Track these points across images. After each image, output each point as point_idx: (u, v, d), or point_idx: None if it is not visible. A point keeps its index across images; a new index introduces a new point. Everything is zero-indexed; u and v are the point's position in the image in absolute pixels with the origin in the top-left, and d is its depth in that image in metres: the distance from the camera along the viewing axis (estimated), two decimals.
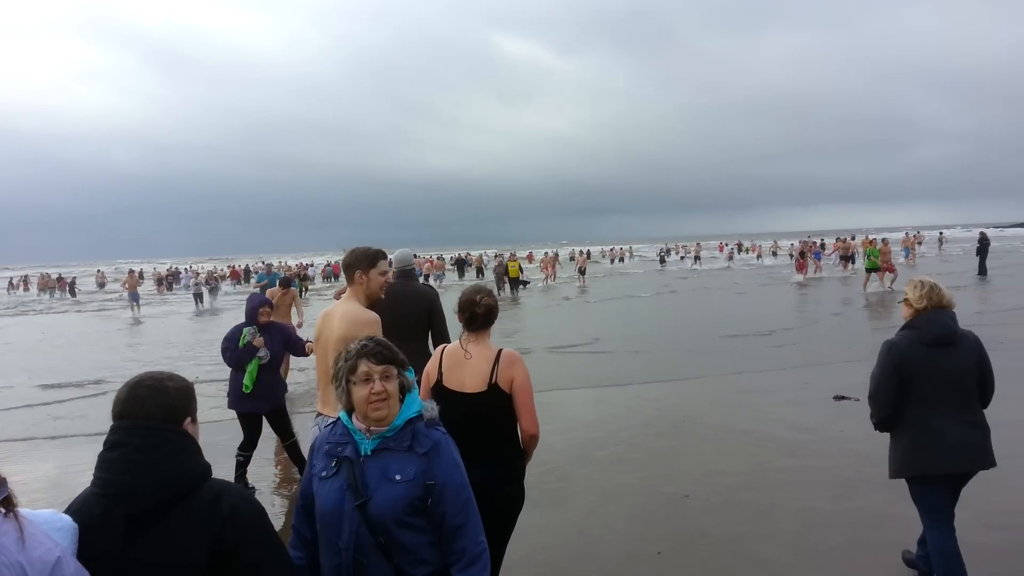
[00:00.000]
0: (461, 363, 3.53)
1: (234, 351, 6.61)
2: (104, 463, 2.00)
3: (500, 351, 3.56)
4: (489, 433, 3.47)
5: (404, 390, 2.45)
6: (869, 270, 24.50)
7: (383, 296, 4.27)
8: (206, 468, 2.08)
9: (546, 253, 47.22)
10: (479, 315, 3.57)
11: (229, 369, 6.76)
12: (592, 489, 6.19)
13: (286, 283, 12.36)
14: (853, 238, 41.71)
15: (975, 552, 4.68)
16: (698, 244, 57.77)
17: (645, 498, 5.98)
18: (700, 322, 17.71)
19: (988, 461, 4.06)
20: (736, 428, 7.83)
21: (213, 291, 34.09)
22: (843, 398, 8.78)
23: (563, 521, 5.55)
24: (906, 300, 4.18)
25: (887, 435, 4.38)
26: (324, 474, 2.40)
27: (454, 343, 3.69)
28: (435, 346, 5.96)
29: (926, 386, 4.00)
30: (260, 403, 6.68)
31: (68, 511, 2.02)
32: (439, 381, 3.55)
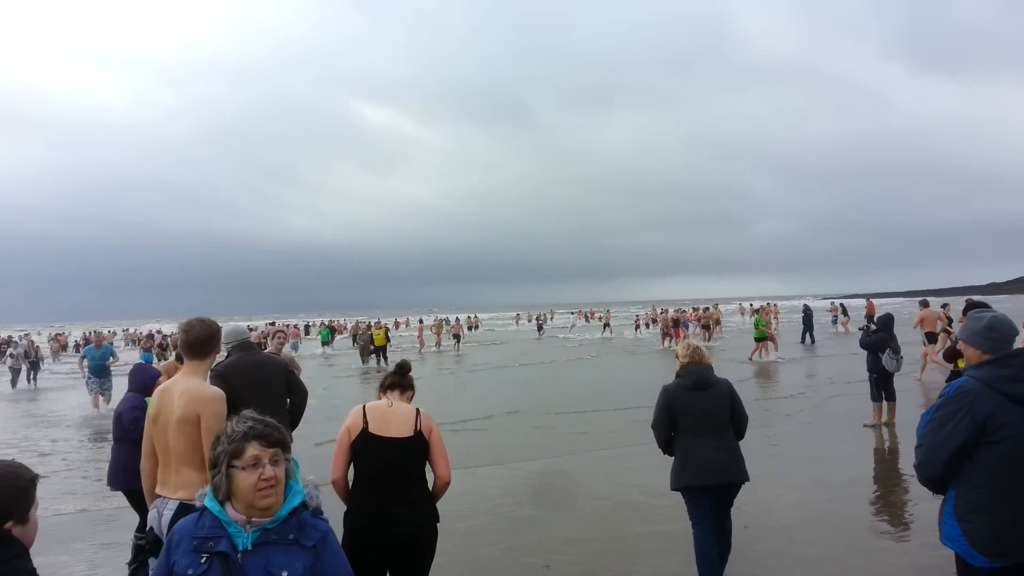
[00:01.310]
0: (385, 412, 3.79)
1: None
2: None
3: (417, 408, 3.92)
4: (412, 477, 3.76)
5: (288, 476, 2.25)
6: (758, 340, 24.07)
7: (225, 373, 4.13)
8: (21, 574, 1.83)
9: (421, 320, 46.36)
10: (392, 373, 4.08)
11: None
12: (453, 564, 6.03)
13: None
14: (716, 307, 42.23)
15: None
16: (608, 311, 50.98)
17: (506, 570, 5.91)
18: (577, 394, 17.62)
19: (738, 477, 5.11)
20: (595, 495, 7.93)
21: (34, 366, 26.20)
22: None
23: None
24: (677, 356, 5.40)
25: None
26: (191, 572, 2.13)
27: (372, 401, 3.91)
28: (296, 412, 5.86)
29: (689, 419, 5.10)
30: None
31: None
32: (365, 428, 3.71)
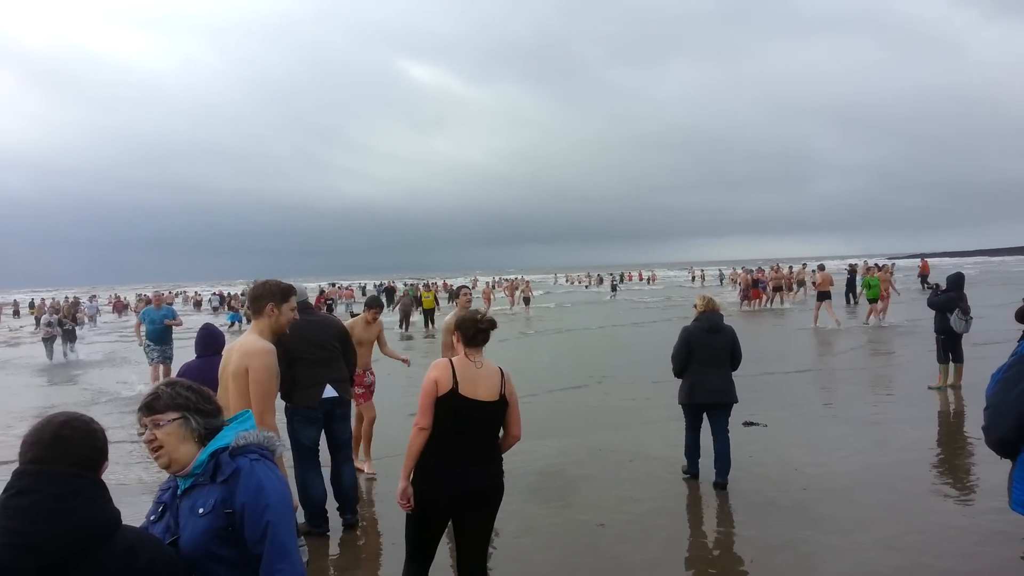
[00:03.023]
0: (474, 374, 3.83)
1: None
2: (8, 511, 1.88)
3: (500, 367, 3.96)
4: (491, 436, 3.90)
5: (197, 431, 2.34)
6: (871, 300, 21.87)
7: (287, 333, 4.26)
8: (118, 516, 2.01)
9: (488, 282, 45.95)
10: (482, 330, 3.94)
11: None
12: (508, 520, 6.12)
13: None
14: (790, 268, 40.04)
15: (877, 572, 4.86)
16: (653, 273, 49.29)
17: (561, 528, 5.97)
18: (649, 359, 17.13)
19: (731, 399, 6.77)
20: (650, 455, 7.92)
21: (68, 335, 22.76)
22: (752, 424, 9.01)
23: None
24: (695, 306, 7.05)
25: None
26: (152, 519, 2.37)
27: (458, 356, 3.90)
28: (349, 368, 6.18)
29: (701, 353, 6.71)
30: None
31: None
32: (455, 389, 3.75)
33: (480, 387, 3.82)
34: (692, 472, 7.01)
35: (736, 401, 6.83)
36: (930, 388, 11.03)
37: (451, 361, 3.88)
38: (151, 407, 2.33)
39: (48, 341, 21.91)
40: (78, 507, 1.91)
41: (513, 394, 3.96)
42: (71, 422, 2.03)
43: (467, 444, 3.78)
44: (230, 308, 34.75)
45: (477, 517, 3.87)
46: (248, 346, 3.76)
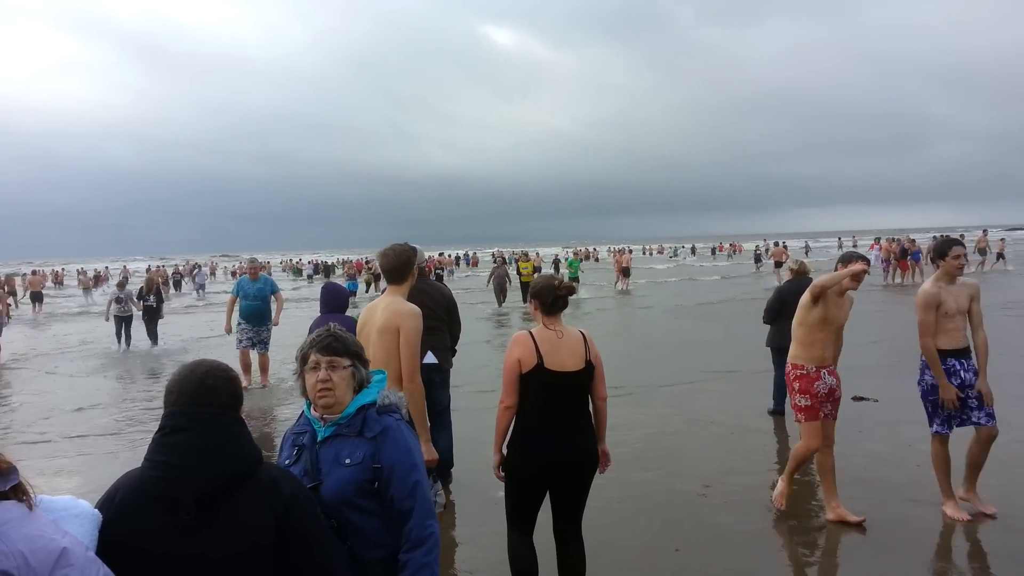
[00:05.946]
0: (557, 345, 3.74)
1: None
2: (163, 447, 2.05)
3: (581, 331, 3.86)
4: (582, 405, 3.82)
5: (360, 382, 2.50)
6: None
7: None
8: (260, 452, 2.18)
9: (593, 249, 44.26)
10: (560, 297, 3.82)
11: None
12: (608, 486, 6.15)
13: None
14: (912, 239, 37.28)
15: (994, 555, 4.66)
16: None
17: (662, 495, 5.98)
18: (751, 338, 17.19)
19: None
20: (753, 428, 7.81)
21: (151, 313, 17.48)
22: (862, 399, 8.72)
23: None
24: (790, 269, 8.58)
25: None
26: (288, 462, 2.50)
27: (537, 328, 3.84)
28: (452, 341, 6.35)
29: (789, 309, 6.82)
30: None
31: (107, 498, 2.06)
32: (540, 364, 3.69)
33: (565, 357, 3.73)
34: (777, 410, 8.23)
35: None
36: None
37: (531, 334, 3.79)
38: (332, 348, 2.47)
39: (123, 321, 17.11)
40: (224, 443, 2.07)
41: (597, 356, 3.86)
42: (213, 371, 2.19)
43: (557, 415, 3.72)
44: (349, 277, 35.31)
45: (571, 486, 3.82)
46: (399, 307, 4.03)
